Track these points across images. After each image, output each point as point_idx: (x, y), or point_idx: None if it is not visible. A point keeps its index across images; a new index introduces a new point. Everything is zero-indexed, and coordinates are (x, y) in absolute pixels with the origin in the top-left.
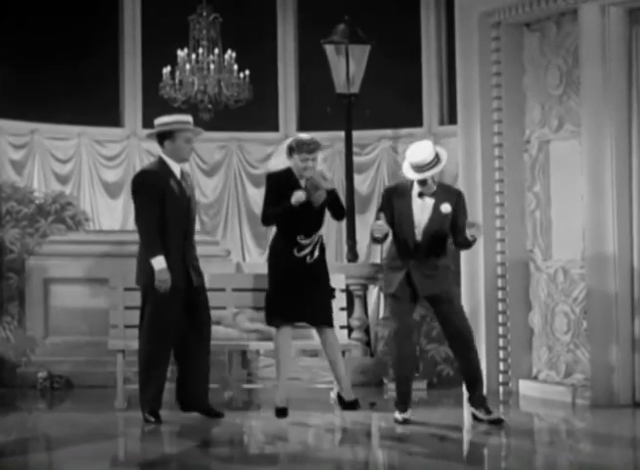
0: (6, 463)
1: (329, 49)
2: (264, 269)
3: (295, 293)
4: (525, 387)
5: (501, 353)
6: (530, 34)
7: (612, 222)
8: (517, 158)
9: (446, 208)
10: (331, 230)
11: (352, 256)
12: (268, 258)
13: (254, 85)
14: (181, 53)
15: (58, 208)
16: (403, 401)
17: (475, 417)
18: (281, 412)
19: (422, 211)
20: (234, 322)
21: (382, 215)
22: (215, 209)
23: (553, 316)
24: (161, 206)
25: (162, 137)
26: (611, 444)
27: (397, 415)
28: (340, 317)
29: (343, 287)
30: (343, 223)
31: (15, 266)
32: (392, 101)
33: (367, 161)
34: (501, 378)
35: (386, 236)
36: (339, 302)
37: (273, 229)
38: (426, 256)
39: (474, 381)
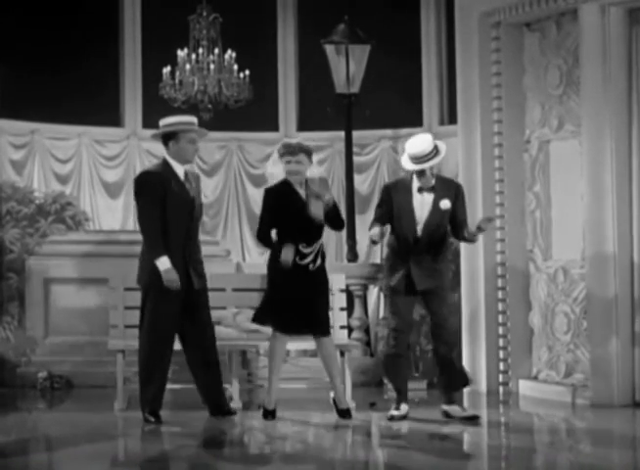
0: (6, 463)
1: (329, 49)
2: (264, 269)
3: (295, 303)
4: (524, 387)
5: (501, 353)
6: (530, 34)
7: (612, 222)
8: (517, 158)
9: (445, 204)
10: (331, 230)
11: (352, 256)
12: (269, 260)
13: (254, 85)
14: (181, 53)
15: (58, 208)
16: (399, 401)
17: (447, 415)
18: (270, 414)
19: (422, 206)
20: (234, 322)
21: (377, 224)
22: (215, 209)
23: (553, 316)
24: (163, 206)
25: (167, 138)
26: (611, 444)
27: (393, 411)
28: (340, 317)
29: (343, 287)
30: None
31: (15, 266)
32: (392, 101)
33: (367, 161)
34: (501, 378)
35: (382, 235)
36: (339, 302)
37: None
38: (426, 251)
39: (451, 375)
